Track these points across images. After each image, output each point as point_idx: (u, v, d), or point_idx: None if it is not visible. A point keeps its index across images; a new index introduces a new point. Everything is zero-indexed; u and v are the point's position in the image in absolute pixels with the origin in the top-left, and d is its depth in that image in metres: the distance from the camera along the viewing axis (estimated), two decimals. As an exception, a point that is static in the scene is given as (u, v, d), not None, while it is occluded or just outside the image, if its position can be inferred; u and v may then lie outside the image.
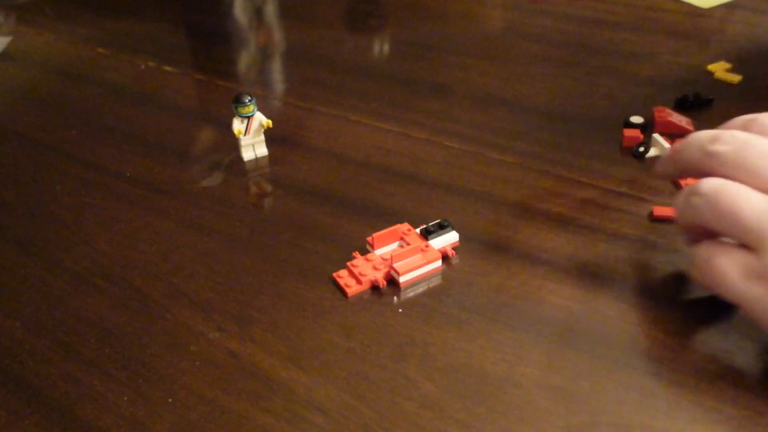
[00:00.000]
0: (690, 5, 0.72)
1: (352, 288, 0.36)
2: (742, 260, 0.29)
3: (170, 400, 0.31)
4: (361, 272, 0.37)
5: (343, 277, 0.37)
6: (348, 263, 0.38)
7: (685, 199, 0.33)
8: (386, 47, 0.69)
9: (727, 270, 0.29)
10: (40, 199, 0.47)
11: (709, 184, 0.31)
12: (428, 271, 0.37)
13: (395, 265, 0.36)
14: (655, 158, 0.47)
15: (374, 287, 0.37)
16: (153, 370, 0.33)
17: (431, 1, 0.79)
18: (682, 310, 0.35)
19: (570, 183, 0.45)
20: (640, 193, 0.44)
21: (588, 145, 0.49)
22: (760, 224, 0.28)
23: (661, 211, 0.41)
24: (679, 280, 0.37)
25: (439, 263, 0.38)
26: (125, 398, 0.31)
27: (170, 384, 0.32)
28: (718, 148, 0.31)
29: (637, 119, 0.51)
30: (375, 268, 0.37)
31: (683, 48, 0.63)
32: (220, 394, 0.31)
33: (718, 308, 0.35)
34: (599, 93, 0.56)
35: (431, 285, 0.37)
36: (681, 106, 0.52)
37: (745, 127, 0.33)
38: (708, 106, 0.53)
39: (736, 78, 0.57)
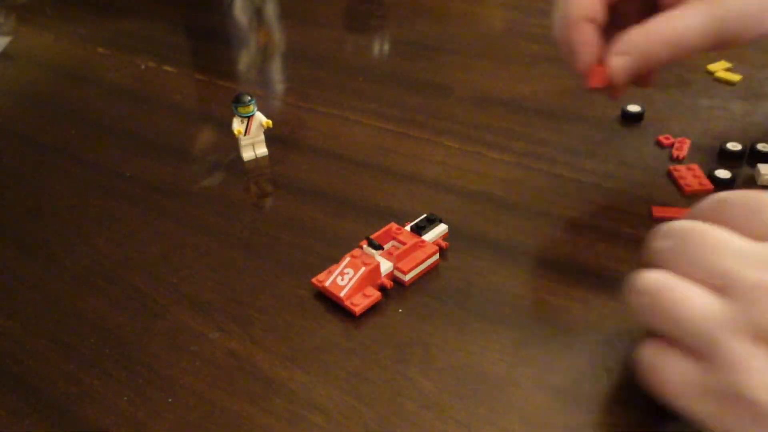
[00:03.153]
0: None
1: (360, 306, 0.35)
2: (692, 374, 0.25)
3: (170, 400, 0.31)
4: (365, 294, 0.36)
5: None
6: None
7: (627, 294, 0.29)
8: (386, 47, 0.69)
9: (677, 382, 0.26)
10: (40, 199, 0.47)
11: (648, 280, 0.27)
12: (428, 266, 0.38)
13: (398, 265, 0.37)
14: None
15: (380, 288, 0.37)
16: (153, 370, 0.33)
17: (431, 1, 0.79)
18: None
19: (570, 183, 0.45)
20: (640, 192, 0.44)
21: (588, 145, 0.49)
22: (709, 330, 0.25)
23: (661, 211, 0.41)
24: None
25: (437, 256, 0.38)
26: (125, 398, 0.31)
27: (170, 384, 0.32)
28: (659, 243, 0.28)
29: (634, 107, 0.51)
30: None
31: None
32: (220, 394, 0.31)
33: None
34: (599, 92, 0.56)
35: (431, 285, 0.37)
36: None
37: (714, 209, 0.29)
38: None
39: (736, 78, 0.57)
